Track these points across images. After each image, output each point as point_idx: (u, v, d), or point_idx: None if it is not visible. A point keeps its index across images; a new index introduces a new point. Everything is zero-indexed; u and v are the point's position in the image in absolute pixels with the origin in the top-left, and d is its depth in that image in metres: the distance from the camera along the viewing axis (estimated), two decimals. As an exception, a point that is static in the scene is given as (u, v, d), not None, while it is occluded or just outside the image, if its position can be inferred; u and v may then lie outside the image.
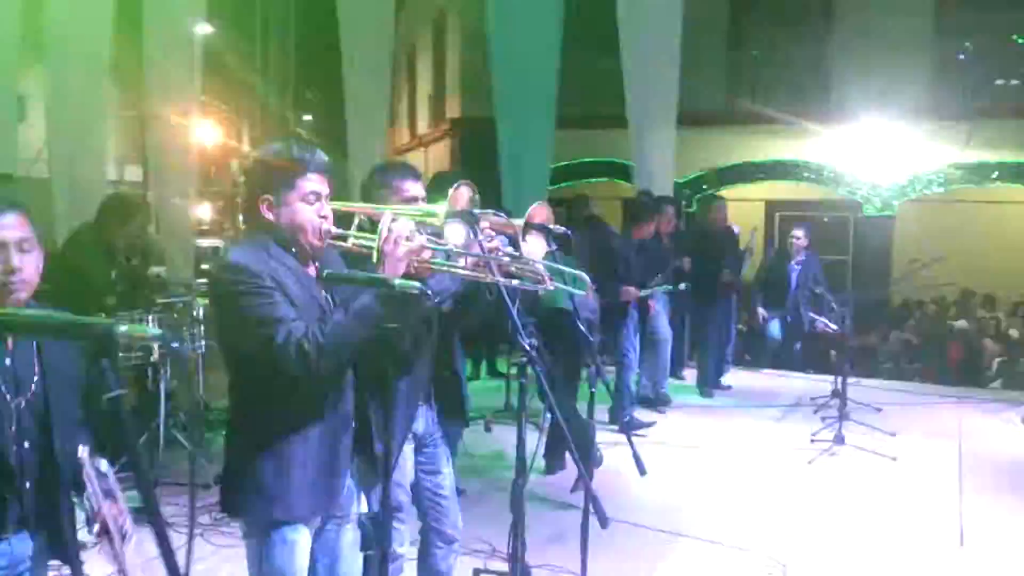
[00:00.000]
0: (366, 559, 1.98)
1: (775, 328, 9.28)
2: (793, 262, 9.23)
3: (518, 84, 10.28)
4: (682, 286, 7.18)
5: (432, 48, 21.13)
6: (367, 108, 9.48)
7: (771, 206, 16.99)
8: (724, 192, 15.78)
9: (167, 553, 1.44)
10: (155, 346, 5.00)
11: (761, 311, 9.22)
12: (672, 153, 10.45)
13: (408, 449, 3.14)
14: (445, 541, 3.32)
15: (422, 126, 22.43)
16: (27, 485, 2.10)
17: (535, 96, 10.26)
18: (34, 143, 11.68)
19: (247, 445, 2.47)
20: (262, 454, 2.43)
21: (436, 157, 20.24)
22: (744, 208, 15.39)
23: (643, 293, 6.76)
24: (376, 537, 1.92)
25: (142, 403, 5.42)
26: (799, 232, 9.27)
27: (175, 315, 5.03)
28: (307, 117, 29.01)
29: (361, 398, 2.57)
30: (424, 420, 3.22)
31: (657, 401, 7.47)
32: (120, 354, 5.01)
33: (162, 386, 5.11)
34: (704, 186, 16.29)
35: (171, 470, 5.16)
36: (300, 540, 2.49)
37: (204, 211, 23.01)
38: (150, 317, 4.99)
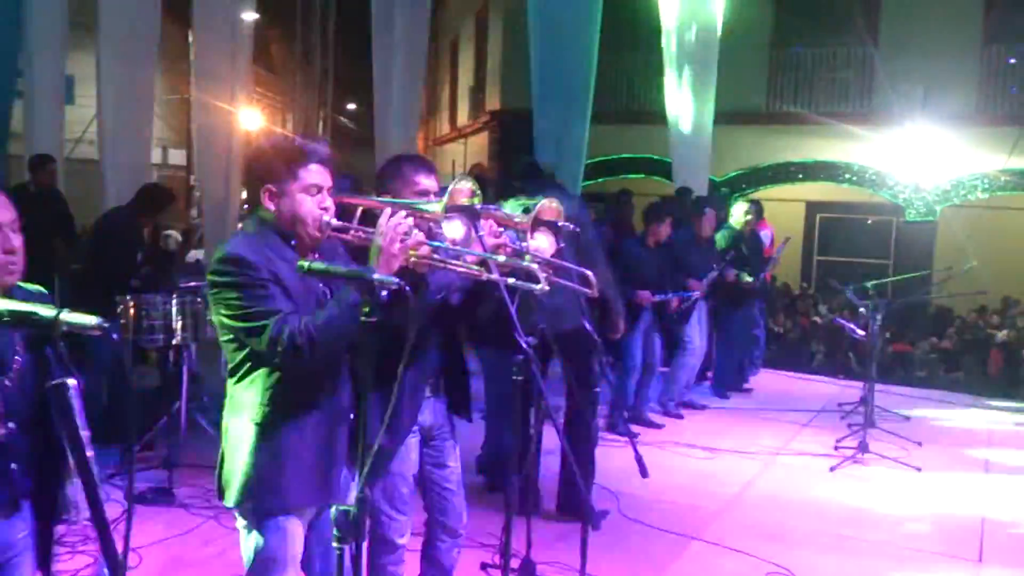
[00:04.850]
0: (340, 553, 1.97)
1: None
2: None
3: (556, 78, 10.22)
4: (696, 293, 6.96)
5: (474, 40, 21.17)
6: (399, 103, 9.48)
7: (812, 207, 16.81)
8: (764, 192, 15.64)
9: (106, 541, 1.43)
10: (178, 329, 5.06)
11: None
12: (708, 151, 10.38)
13: (413, 441, 3.15)
14: (449, 535, 3.30)
15: (462, 117, 22.48)
16: (12, 467, 1.97)
17: (572, 91, 10.20)
18: (82, 125, 11.89)
19: (243, 433, 2.49)
20: (257, 443, 2.46)
21: (475, 149, 20.28)
22: (784, 208, 15.23)
23: (658, 298, 6.64)
24: (352, 531, 1.91)
25: (164, 386, 5.50)
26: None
27: (198, 299, 5.07)
28: (351, 106, 29.12)
29: (360, 390, 2.57)
30: (432, 412, 3.20)
31: (666, 414, 7.20)
32: (146, 336, 5.08)
33: (184, 368, 5.16)
34: (743, 185, 16.13)
35: (191, 453, 5.21)
36: (293, 529, 2.52)
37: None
38: (174, 300, 5.04)
